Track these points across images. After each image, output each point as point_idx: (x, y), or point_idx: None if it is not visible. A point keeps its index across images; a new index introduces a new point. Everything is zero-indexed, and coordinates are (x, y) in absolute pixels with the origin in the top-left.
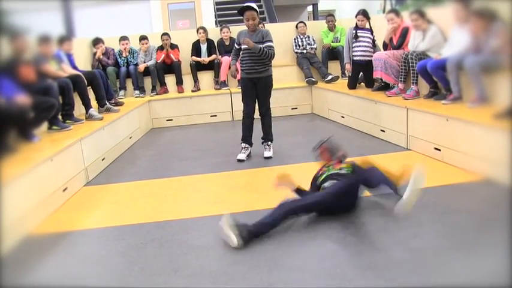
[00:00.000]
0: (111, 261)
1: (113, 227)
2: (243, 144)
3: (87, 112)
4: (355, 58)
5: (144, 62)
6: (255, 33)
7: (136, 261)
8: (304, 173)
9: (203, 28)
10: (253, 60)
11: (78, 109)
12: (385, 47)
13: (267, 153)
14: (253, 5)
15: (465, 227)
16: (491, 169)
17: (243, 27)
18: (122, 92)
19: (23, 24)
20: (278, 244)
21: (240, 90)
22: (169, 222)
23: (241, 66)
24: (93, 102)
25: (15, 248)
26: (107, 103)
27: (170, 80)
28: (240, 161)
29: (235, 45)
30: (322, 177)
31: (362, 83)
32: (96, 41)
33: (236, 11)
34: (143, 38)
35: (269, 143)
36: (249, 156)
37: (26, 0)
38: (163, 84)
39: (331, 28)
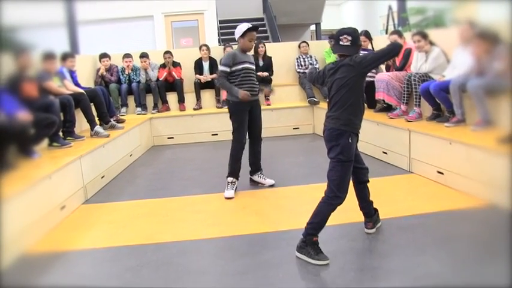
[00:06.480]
0: (107, 283)
1: (109, 248)
2: (231, 179)
3: (92, 129)
4: None
5: (147, 80)
6: (248, 54)
7: (132, 283)
8: (304, 195)
9: (206, 46)
10: (254, 83)
11: (80, 126)
12: (388, 68)
13: (270, 181)
14: None
15: (468, 254)
16: (495, 194)
17: None
18: (123, 109)
19: (27, 40)
20: (277, 268)
21: (235, 116)
22: (166, 244)
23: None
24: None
25: (11, 267)
26: (111, 120)
27: (172, 97)
28: (228, 198)
29: (225, 67)
30: None
31: (364, 104)
32: (103, 56)
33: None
34: (143, 56)
35: (262, 171)
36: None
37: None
38: (165, 101)
39: None
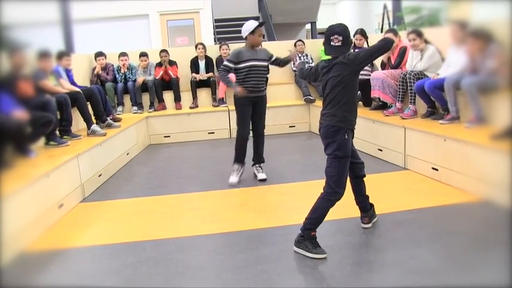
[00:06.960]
0: (106, 280)
1: (108, 245)
2: (237, 166)
3: (89, 128)
4: None
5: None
6: (257, 50)
7: (131, 280)
8: (301, 192)
9: (202, 44)
10: (258, 79)
11: (77, 125)
12: (383, 66)
13: (262, 175)
14: None
15: (463, 248)
16: (488, 190)
17: (242, 45)
18: (120, 108)
19: (22, 39)
20: (275, 262)
21: (237, 110)
22: (165, 240)
23: (242, 86)
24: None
25: (10, 265)
26: (108, 119)
27: (168, 96)
28: (232, 185)
29: (228, 63)
30: None
31: (360, 102)
32: (98, 55)
33: (233, 28)
34: (143, 55)
35: (262, 164)
36: (240, 176)
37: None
38: (161, 100)
39: None
